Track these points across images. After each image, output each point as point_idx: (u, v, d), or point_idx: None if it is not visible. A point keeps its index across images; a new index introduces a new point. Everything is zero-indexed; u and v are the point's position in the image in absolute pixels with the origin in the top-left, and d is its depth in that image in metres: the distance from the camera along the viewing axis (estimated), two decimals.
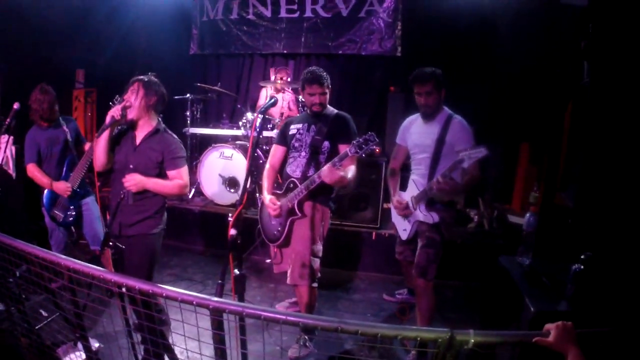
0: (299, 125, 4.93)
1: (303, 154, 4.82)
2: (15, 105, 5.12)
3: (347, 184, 4.64)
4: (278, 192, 4.90)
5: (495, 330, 2.16)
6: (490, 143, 4.29)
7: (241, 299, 3.37)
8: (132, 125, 4.39)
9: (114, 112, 4.27)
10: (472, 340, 2.01)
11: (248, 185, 3.87)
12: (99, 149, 4.37)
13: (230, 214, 3.50)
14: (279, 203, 4.77)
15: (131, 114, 4.29)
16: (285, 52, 9.69)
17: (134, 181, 4.21)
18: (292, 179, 4.77)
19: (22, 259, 3.39)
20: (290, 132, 4.96)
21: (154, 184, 4.29)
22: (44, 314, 5.14)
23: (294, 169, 4.85)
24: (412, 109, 4.96)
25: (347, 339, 4.69)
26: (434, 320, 4.80)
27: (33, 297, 5.05)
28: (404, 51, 8.65)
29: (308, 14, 9.28)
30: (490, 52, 7.93)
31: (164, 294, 2.64)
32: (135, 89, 4.29)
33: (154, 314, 3.01)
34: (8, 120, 5.11)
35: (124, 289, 2.89)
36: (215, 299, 2.56)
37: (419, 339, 2.12)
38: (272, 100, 4.15)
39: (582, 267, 3.52)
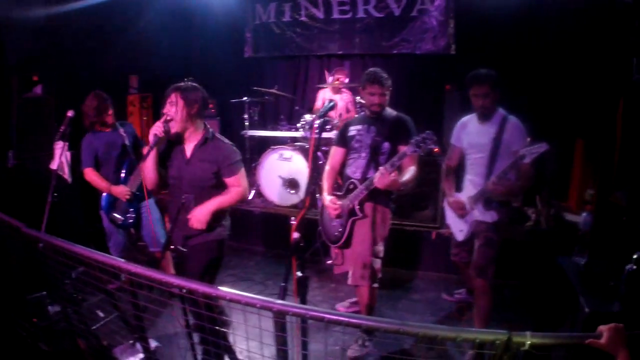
0: (359, 127, 4.95)
1: (363, 154, 4.84)
2: (69, 113, 5.14)
3: (399, 187, 4.63)
4: (338, 193, 4.95)
5: (551, 330, 2.19)
6: (545, 139, 4.27)
7: (303, 301, 3.43)
8: (179, 138, 4.24)
9: (156, 129, 4.07)
10: (529, 342, 2.05)
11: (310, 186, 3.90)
12: (147, 170, 4.21)
13: (292, 217, 3.54)
14: (339, 203, 4.83)
15: (175, 128, 4.11)
16: (340, 53, 9.71)
17: (196, 219, 4.06)
18: (352, 180, 4.81)
19: (78, 262, 3.51)
20: (350, 134, 4.98)
21: (215, 205, 4.12)
22: (101, 314, 5.27)
23: (354, 170, 4.88)
24: (469, 107, 4.94)
25: (406, 339, 4.65)
26: (491, 319, 4.78)
27: (90, 298, 5.22)
28: (458, 49, 8.60)
29: (360, 14, 9.30)
30: (542, 47, 7.81)
31: (228, 297, 2.69)
32: (174, 101, 4.10)
33: (214, 316, 3.10)
34: (62, 127, 5.13)
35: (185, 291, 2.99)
36: (279, 301, 2.62)
37: (477, 340, 2.16)
38: (331, 103, 4.18)
39: (634, 267, 3.49)
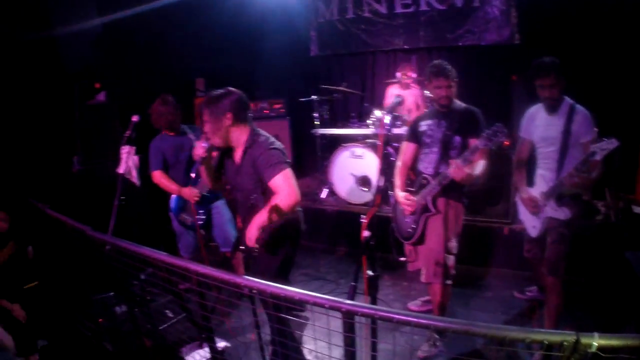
0: (429, 122, 4.96)
1: (435, 149, 4.86)
2: (134, 118, 5.19)
3: (474, 180, 4.64)
4: (411, 189, 4.96)
5: (619, 328, 2.13)
6: (611, 130, 4.18)
7: (373, 300, 3.42)
8: (228, 147, 4.15)
9: (199, 150, 4.17)
10: (596, 344, 2.00)
11: (381, 184, 3.88)
12: (206, 181, 4.42)
13: (363, 215, 3.54)
14: (413, 199, 4.84)
15: (216, 142, 4.06)
16: (405, 47, 9.59)
17: (248, 238, 3.87)
18: (425, 175, 4.85)
19: (147, 264, 3.58)
20: (421, 129, 5.00)
21: (262, 220, 3.80)
22: (170, 314, 5.38)
23: (426, 165, 4.90)
24: (537, 98, 4.86)
25: (477, 339, 4.66)
26: (561, 318, 4.69)
27: (159, 298, 5.31)
28: (522, 38, 8.35)
29: (423, 7, 9.14)
30: (605, 33, 7.47)
31: (297, 298, 2.70)
32: (207, 118, 4.00)
33: (284, 316, 3.13)
34: (128, 132, 5.19)
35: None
36: (348, 301, 2.61)
37: (545, 342, 2.12)
38: (398, 99, 4.18)
39: None
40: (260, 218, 3.82)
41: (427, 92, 7.89)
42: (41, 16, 6.74)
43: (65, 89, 6.96)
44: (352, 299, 3.24)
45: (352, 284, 3.41)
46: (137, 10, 7.67)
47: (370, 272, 3.39)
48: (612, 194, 6.82)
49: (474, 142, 4.47)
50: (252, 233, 3.82)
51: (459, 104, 4.91)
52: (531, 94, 4.94)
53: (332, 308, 2.58)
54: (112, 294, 5.64)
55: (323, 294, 5.52)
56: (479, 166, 4.61)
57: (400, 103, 4.19)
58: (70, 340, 5.08)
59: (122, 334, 5.05)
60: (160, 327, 5.00)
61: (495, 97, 8.60)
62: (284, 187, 3.84)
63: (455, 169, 4.42)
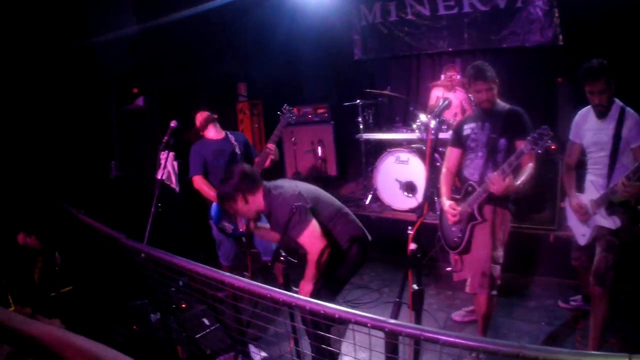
0: (473, 125, 4.86)
1: (480, 154, 4.75)
2: (172, 124, 5.28)
3: (517, 190, 4.51)
4: (457, 196, 4.87)
5: None
6: None
7: (418, 315, 3.35)
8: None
9: (242, 228, 5.27)
10: None
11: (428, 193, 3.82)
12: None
13: (410, 227, 3.47)
14: (459, 209, 4.73)
15: (249, 217, 4.54)
16: (450, 50, 9.48)
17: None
18: (470, 182, 4.73)
19: (182, 273, 3.57)
20: (465, 133, 4.89)
21: (308, 282, 4.14)
22: (206, 322, 5.36)
23: (472, 171, 4.79)
24: (583, 100, 4.74)
25: None
26: (606, 329, 4.58)
27: (197, 306, 5.29)
28: (565, 39, 8.12)
29: (466, 9, 9.00)
30: None
31: (337, 315, 2.61)
32: (228, 208, 4.44)
33: (326, 335, 3.08)
34: (166, 137, 5.28)
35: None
36: (391, 320, 2.53)
37: None
38: (446, 102, 4.13)
39: None
40: (306, 281, 4.15)
41: (471, 95, 7.79)
42: (79, 22, 6.78)
43: (102, 94, 7.01)
44: (396, 317, 3.17)
45: (397, 299, 3.34)
46: (177, 15, 7.68)
47: (415, 286, 3.32)
48: None
49: (520, 144, 4.34)
50: (305, 291, 4.09)
51: (502, 105, 4.79)
52: (578, 97, 4.83)
53: (374, 327, 2.50)
54: (147, 301, 5.67)
55: (365, 303, 5.50)
56: (527, 171, 4.49)
57: (447, 106, 4.13)
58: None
59: (155, 341, 5.05)
60: (196, 336, 4.99)
61: (541, 100, 8.43)
62: (308, 244, 4.10)
63: (493, 184, 4.31)
